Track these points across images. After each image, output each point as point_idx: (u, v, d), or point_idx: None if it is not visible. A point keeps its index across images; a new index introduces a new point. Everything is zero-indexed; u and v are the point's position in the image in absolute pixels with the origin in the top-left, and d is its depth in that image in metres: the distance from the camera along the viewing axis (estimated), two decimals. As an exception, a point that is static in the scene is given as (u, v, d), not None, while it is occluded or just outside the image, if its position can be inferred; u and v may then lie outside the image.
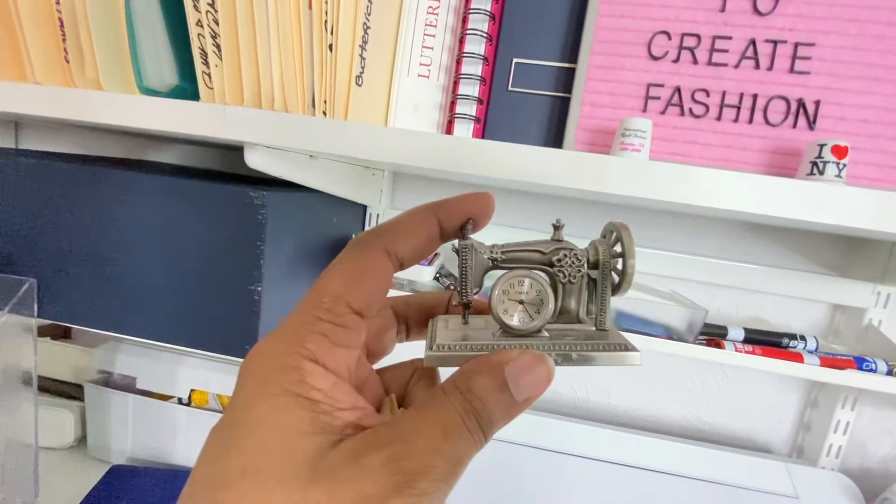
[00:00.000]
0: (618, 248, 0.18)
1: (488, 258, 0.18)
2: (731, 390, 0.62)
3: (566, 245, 0.18)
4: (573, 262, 0.18)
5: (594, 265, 0.18)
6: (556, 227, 0.19)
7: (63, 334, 0.74)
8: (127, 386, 0.62)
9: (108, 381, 0.63)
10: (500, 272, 0.18)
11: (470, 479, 0.51)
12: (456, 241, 0.19)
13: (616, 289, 0.18)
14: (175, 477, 0.57)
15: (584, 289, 0.19)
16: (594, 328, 0.19)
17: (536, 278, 0.18)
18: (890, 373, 0.46)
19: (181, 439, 0.60)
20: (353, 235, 0.24)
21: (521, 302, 0.18)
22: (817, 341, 0.51)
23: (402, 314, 0.21)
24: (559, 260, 0.18)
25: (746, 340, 0.50)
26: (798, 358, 0.47)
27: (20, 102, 0.37)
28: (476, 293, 0.19)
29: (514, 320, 0.17)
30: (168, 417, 0.59)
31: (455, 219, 0.18)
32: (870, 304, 0.54)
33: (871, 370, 0.46)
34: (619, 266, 0.18)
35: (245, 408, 0.15)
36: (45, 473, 0.49)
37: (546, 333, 0.18)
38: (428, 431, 0.14)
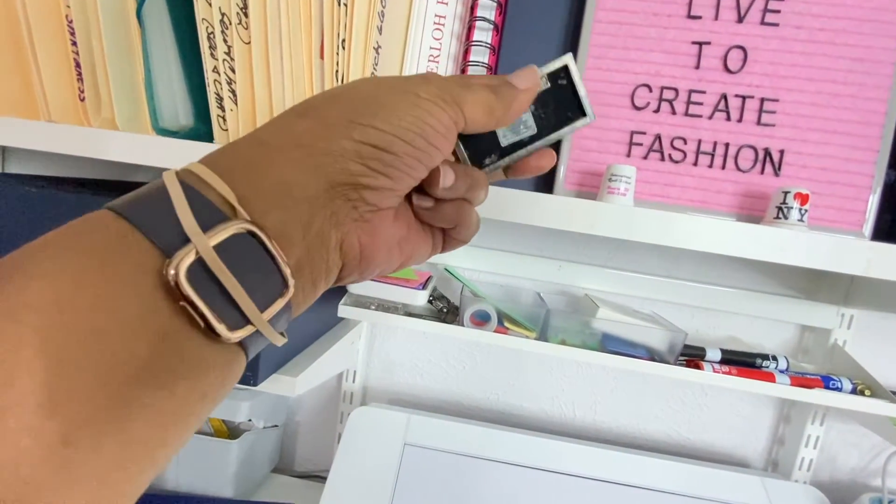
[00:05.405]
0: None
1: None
2: (709, 407, 0.65)
3: None
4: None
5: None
6: None
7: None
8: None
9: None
10: None
11: (456, 498, 0.52)
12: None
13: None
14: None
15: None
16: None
17: None
18: (854, 391, 0.49)
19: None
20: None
21: None
22: (787, 361, 0.53)
23: None
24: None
25: (723, 361, 0.52)
26: (770, 378, 0.49)
27: (42, 140, 0.39)
28: None
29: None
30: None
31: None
32: (835, 324, 0.58)
33: (836, 388, 0.49)
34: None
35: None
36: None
37: None
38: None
